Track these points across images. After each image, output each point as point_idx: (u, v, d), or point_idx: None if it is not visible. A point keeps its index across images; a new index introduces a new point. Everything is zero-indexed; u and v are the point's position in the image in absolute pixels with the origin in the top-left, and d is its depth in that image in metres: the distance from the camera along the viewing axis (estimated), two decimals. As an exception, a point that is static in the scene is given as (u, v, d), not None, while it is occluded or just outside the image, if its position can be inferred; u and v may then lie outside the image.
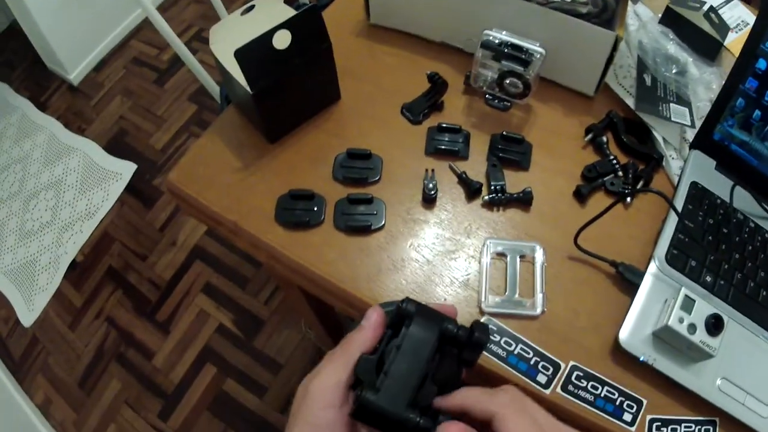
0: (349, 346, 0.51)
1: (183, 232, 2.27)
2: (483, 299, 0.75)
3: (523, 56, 0.85)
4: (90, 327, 2.10)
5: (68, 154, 2.50)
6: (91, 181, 2.42)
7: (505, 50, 0.85)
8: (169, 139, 2.54)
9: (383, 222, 0.81)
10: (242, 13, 0.91)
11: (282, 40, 0.76)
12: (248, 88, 0.78)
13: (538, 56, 0.84)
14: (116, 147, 2.53)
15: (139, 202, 2.37)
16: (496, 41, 0.86)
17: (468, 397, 0.49)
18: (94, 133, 2.59)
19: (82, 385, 1.99)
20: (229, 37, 0.87)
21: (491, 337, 0.72)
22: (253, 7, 0.92)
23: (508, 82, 0.87)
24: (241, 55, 0.73)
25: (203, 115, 2.59)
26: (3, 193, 2.47)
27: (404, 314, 0.51)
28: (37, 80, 2.82)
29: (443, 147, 0.88)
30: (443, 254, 0.79)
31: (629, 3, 0.89)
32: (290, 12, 0.90)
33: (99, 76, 2.79)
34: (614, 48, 0.84)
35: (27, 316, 2.14)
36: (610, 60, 0.86)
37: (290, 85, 0.84)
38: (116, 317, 2.11)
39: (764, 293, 0.77)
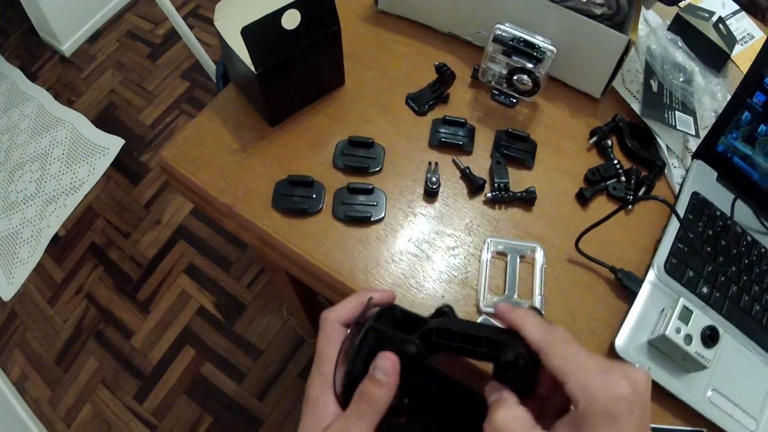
0: (374, 404, 0.49)
1: (168, 210, 2.25)
2: (481, 298, 0.74)
3: (535, 53, 0.84)
4: (70, 303, 2.07)
5: (56, 126, 2.47)
6: (77, 155, 2.38)
7: (517, 46, 0.84)
8: (159, 115, 2.50)
9: (383, 214, 0.80)
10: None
11: (291, 19, 0.74)
12: (252, 68, 0.76)
13: (550, 54, 0.83)
14: (105, 121, 2.49)
15: (126, 178, 2.34)
16: (508, 36, 0.85)
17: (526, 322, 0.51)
18: (83, 105, 2.55)
19: (59, 362, 1.97)
20: (234, 13, 0.86)
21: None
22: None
23: (516, 78, 0.86)
24: (248, 33, 0.71)
25: (195, 92, 2.55)
26: (-11, 164, 2.43)
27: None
28: (29, 49, 2.77)
29: (447, 140, 0.87)
30: (443, 250, 0.78)
31: (642, 8, 0.89)
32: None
33: (92, 48, 2.74)
34: (625, 52, 0.83)
35: (6, 290, 2.10)
36: (619, 63, 0.85)
37: (295, 67, 0.82)
38: (96, 294, 2.08)
39: (758, 307, 0.78)
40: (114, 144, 2.40)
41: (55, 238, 2.20)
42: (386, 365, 0.50)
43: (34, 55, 2.76)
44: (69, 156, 2.38)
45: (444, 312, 0.59)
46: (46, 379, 1.94)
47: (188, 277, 2.10)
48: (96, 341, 1.99)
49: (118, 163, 2.37)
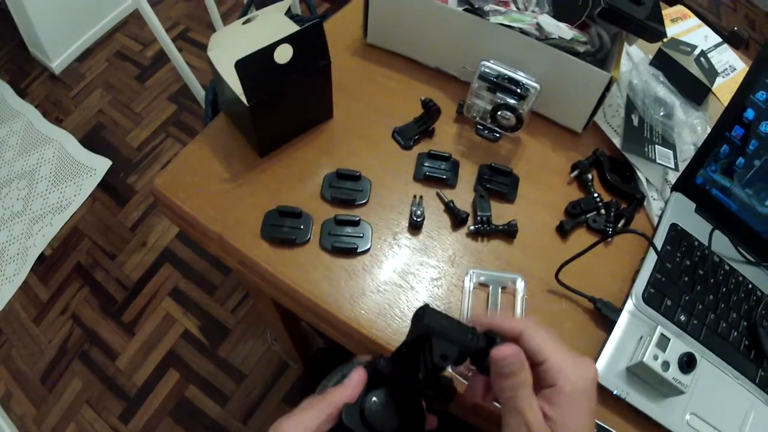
0: (329, 396, 0.54)
1: (154, 233, 2.24)
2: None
3: (519, 90, 0.86)
4: (55, 322, 2.06)
5: (44, 144, 2.46)
6: (64, 174, 2.37)
7: (501, 83, 0.86)
8: (146, 137, 2.50)
9: (369, 245, 0.81)
10: (243, 23, 0.91)
11: (284, 54, 0.76)
12: (245, 100, 0.78)
13: (533, 91, 0.85)
14: (92, 141, 2.48)
15: (112, 200, 2.33)
16: (493, 73, 0.87)
17: (495, 317, 0.56)
18: (71, 124, 2.54)
19: (43, 380, 1.95)
20: (228, 45, 0.87)
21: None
22: (253, 16, 0.92)
23: (500, 114, 0.88)
24: (241, 66, 0.73)
25: (182, 116, 2.55)
26: (-25, 180, 2.41)
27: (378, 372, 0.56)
28: (19, 65, 2.76)
29: (432, 174, 0.88)
30: (427, 281, 0.80)
31: (624, 44, 0.91)
32: (291, 25, 0.91)
33: (81, 67, 2.74)
34: (607, 88, 0.85)
35: (-9, 307, 2.09)
36: (601, 99, 0.88)
37: (286, 99, 0.84)
38: (82, 315, 2.07)
39: (735, 334, 0.79)
40: (101, 165, 2.39)
41: (41, 257, 2.19)
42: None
43: (23, 70, 2.75)
44: (56, 175, 2.37)
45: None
46: (30, 397, 1.92)
47: (173, 300, 2.09)
48: (81, 361, 1.98)
49: (104, 184, 2.36)
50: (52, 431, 1.86)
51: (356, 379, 0.56)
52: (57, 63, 2.70)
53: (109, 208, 2.31)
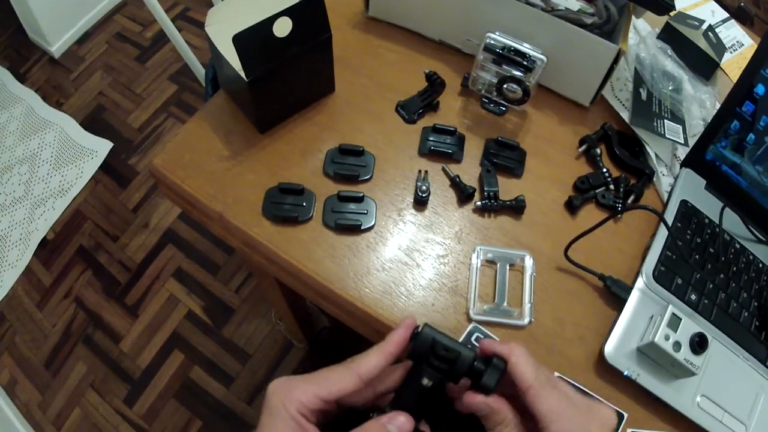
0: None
1: (156, 214, 2.24)
2: (471, 306, 0.74)
3: (525, 62, 0.84)
4: (58, 307, 2.06)
5: (45, 129, 2.44)
6: (66, 157, 2.36)
7: (507, 55, 0.85)
8: (147, 118, 2.49)
9: (373, 222, 0.80)
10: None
11: (282, 27, 0.74)
12: (243, 75, 0.76)
13: (540, 63, 0.83)
14: (93, 123, 2.47)
15: (114, 182, 2.32)
16: (499, 45, 0.85)
17: (485, 343, 0.54)
18: (72, 108, 2.53)
19: (48, 366, 1.95)
20: (225, 20, 0.85)
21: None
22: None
23: (506, 87, 0.86)
24: (239, 40, 0.71)
25: (183, 95, 2.54)
26: (-24, 166, 2.41)
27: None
28: (18, 50, 2.75)
29: (437, 148, 0.87)
30: (433, 258, 0.78)
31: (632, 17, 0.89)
32: (290, -2, 0.89)
33: (81, 50, 2.72)
34: (615, 61, 0.84)
35: (-6, 293, 2.09)
36: (609, 72, 0.86)
37: (286, 74, 0.82)
38: (85, 298, 2.07)
39: (746, 314, 0.78)
40: (102, 147, 2.38)
41: (43, 242, 2.19)
42: (402, 424, 0.50)
43: (22, 55, 2.73)
44: (57, 159, 2.36)
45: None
46: (35, 383, 1.92)
47: (176, 281, 2.09)
48: (85, 345, 1.98)
49: (106, 166, 2.35)
50: (57, 416, 1.87)
51: (366, 374, 0.51)
52: (56, 47, 2.68)
53: (110, 190, 2.30)
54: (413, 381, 0.52)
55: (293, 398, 0.48)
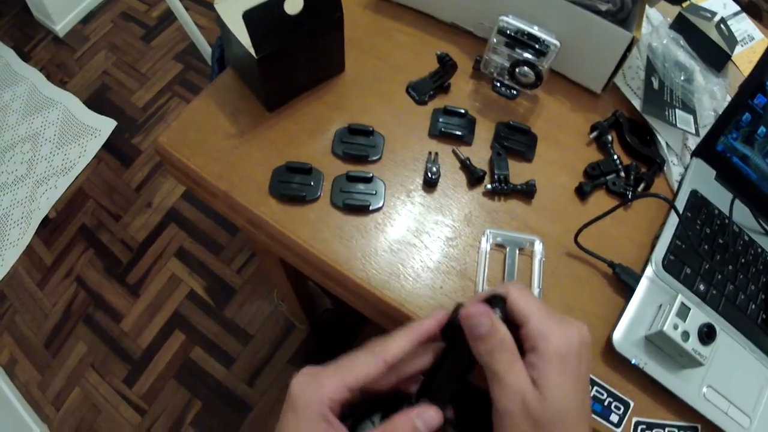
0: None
1: (159, 193, 2.23)
2: (480, 290, 0.74)
3: (538, 46, 0.83)
4: (59, 286, 2.06)
5: (48, 107, 2.44)
6: (69, 136, 2.36)
7: (521, 39, 0.84)
8: (152, 97, 2.48)
9: (382, 203, 0.79)
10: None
11: (294, 4, 0.74)
12: (253, 53, 0.75)
13: (553, 48, 0.83)
14: (97, 102, 2.47)
15: (117, 160, 2.32)
16: (513, 29, 0.84)
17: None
18: (75, 86, 2.52)
19: (48, 345, 1.95)
20: (236, -3, 0.84)
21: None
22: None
23: (519, 71, 0.86)
24: (249, 17, 0.70)
25: (188, 75, 2.53)
26: (-21, 144, 2.40)
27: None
28: (22, 29, 2.74)
29: (448, 130, 0.86)
30: (442, 241, 0.78)
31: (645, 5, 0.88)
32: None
33: (85, 29, 2.71)
34: (628, 48, 0.83)
35: (-5, 272, 2.09)
36: (622, 60, 0.85)
37: (296, 52, 0.81)
38: (86, 277, 2.07)
39: (753, 306, 0.78)
40: (106, 126, 2.37)
41: (45, 221, 2.18)
42: (431, 419, 0.48)
43: (27, 35, 2.72)
44: (60, 137, 2.36)
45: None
46: (35, 363, 1.93)
47: (178, 261, 2.08)
48: (85, 325, 1.98)
49: (109, 145, 2.34)
50: (57, 396, 1.87)
51: (388, 360, 0.50)
52: (61, 26, 2.68)
53: (113, 169, 2.30)
54: (448, 364, 0.51)
55: (323, 396, 0.47)
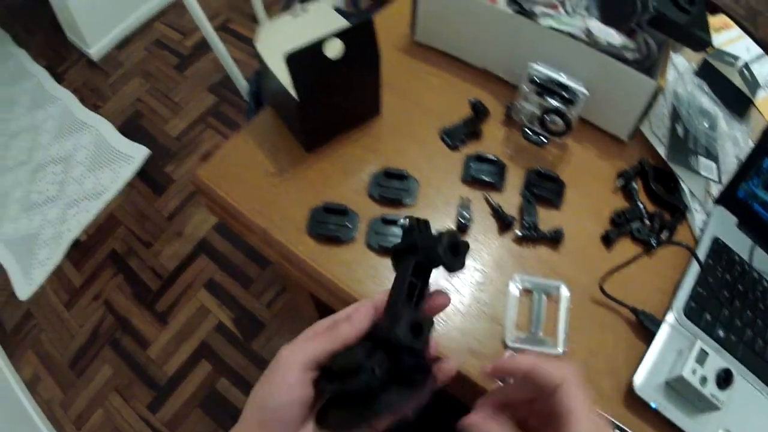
0: (336, 331, 0.51)
1: (191, 223, 2.24)
2: (508, 334, 0.76)
3: (567, 95, 0.86)
4: (87, 308, 2.08)
5: (81, 130, 2.48)
6: (101, 161, 2.39)
7: (551, 87, 0.87)
8: (185, 127, 2.50)
9: (416, 246, 0.81)
10: (292, 16, 0.92)
11: (334, 48, 0.77)
12: (295, 95, 0.78)
13: (582, 97, 0.85)
14: (130, 129, 2.50)
15: (149, 188, 2.34)
16: (543, 77, 0.87)
17: (538, 361, 0.49)
18: (108, 111, 2.56)
19: (72, 365, 1.96)
20: (277, 38, 0.88)
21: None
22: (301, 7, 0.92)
23: (549, 119, 0.88)
24: (292, 59, 0.73)
25: (222, 107, 2.54)
26: (11, 161, 2.43)
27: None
28: (56, 50, 2.78)
29: (479, 176, 0.89)
30: (472, 285, 0.80)
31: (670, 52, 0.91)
32: (340, 19, 0.91)
33: (120, 55, 2.76)
34: (654, 97, 0.85)
35: (24, 289, 2.11)
36: (648, 107, 0.87)
37: (335, 95, 0.84)
38: (114, 302, 2.08)
39: (771, 352, 0.79)
40: (139, 153, 2.40)
41: (76, 243, 2.21)
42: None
43: (61, 56, 2.77)
44: (93, 161, 2.39)
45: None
46: (58, 382, 1.94)
47: (208, 292, 2.09)
48: (111, 348, 1.99)
49: (142, 173, 2.37)
50: (79, 416, 1.87)
51: (363, 316, 0.53)
52: (95, 49, 2.71)
53: (145, 196, 2.32)
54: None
55: (307, 350, 0.50)
